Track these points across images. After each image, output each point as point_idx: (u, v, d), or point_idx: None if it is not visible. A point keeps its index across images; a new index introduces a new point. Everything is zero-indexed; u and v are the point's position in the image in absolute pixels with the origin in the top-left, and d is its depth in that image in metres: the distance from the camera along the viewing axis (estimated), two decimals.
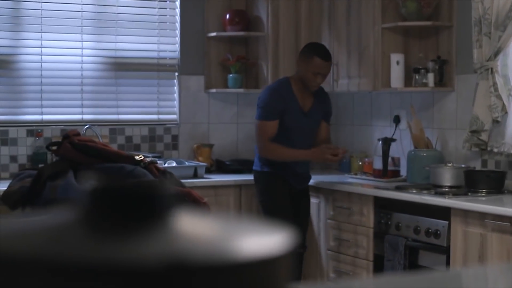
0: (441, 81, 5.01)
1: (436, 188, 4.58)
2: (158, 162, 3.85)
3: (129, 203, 0.47)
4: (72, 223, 0.47)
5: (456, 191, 4.48)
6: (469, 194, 4.40)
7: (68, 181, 2.56)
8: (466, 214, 4.09)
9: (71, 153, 2.67)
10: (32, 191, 2.63)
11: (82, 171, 2.63)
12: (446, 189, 4.53)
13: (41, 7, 5.34)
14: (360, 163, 5.55)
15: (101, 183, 0.47)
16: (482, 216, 3.99)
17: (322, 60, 4.69)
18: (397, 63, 5.05)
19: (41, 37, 5.35)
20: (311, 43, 5.00)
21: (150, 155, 5.25)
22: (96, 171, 2.63)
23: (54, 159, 2.75)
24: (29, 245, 0.44)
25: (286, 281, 0.45)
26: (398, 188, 4.70)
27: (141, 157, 2.69)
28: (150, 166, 2.68)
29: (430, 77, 4.97)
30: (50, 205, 2.57)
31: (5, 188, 4.67)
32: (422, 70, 5.00)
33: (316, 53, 4.70)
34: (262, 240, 0.46)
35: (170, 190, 0.48)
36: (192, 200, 2.70)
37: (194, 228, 0.47)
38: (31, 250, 0.43)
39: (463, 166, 4.73)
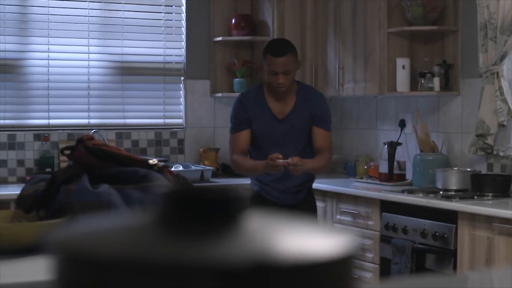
0: (446, 85, 5.03)
1: (442, 192, 4.61)
2: None
3: (206, 205, 0.49)
4: (152, 224, 0.49)
5: (463, 194, 4.50)
6: (476, 197, 4.42)
7: (83, 185, 2.58)
8: (473, 217, 4.11)
9: (85, 157, 2.68)
10: (46, 194, 2.65)
11: (96, 175, 2.65)
12: (453, 193, 4.56)
13: (48, 12, 5.36)
14: (366, 167, 5.57)
15: (178, 186, 0.49)
16: (489, 220, 4.01)
17: (272, 57, 4.15)
18: (403, 67, 5.07)
19: (48, 41, 5.37)
20: (269, 41, 4.63)
21: (156, 159, 5.26)
22: (110, 174, 2.65)
23: (68, 163, 2.76)
24: (115, 245, 0.46)
25: (353, 280, 0.47)
26: (405, 192, 4.72)
27: (154, 161, 2.70)
28: (163, 170, 2.69)
29: (436, 81, 4.99)
30: (64, 208, 2.59)
31: (18, 192, 4.70)
32: (428, 75, 5.03)
33: (268, 50, 4.22)
34: (330, 241, 0.48)
35: (243, 193, 0.50)
36: None
37: (267, 230, 0.50)
38: (117, 250, 0.45)
39: (469, 170, 4.75)
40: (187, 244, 0.47)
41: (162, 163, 2.77)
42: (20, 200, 2.73)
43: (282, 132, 4.23)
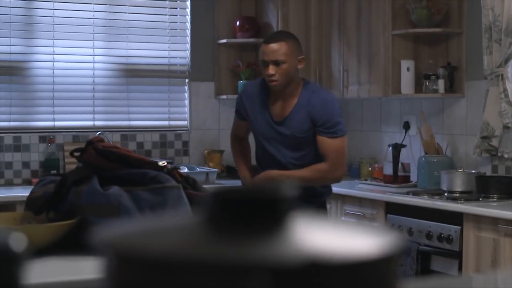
0: (451, 88, 5.05)
1: (447, 194, 4.62)
2: None
3: (253, 206, 0.50)
4: (201, 224, 0.50)
5: (468, 196, 4.51)
6: (481, 199, 4.43)
7: (93, 187, 2.59)
8: (478, 219, 4.12)
9: (95, 159, 2.69)
10: (56, 196, 2.66)
11: (106, 177, 2.66)
12: (457, 195, 4.57)
13: (53, 14, 5.38)
14: (370, 168, 5.58)
15: (227, 188, 0.51)
16: (494, 221, 4.02)
17: (264, 44, 3.79)
18: (408, 69, 5.08)
19: (53, 44, 5.39)
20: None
21: (165, 161, 5.28)
22: (119, 176, 2.66)
23: (77, 165, 2.77)
24: (167, 245, 0.47)
25: (398, 278, 0.49)
26: (410, 194, 4.73)
27: (164, 163, 2.72)
28: (173, 172, 2.70)
29: (441, 84, 5.01)
30: (75, 210, 2.60)
31: (24, 194, 4.71)
32: (433, 77, 5.04)
33: (266, 38, 3.90)
34: (375, 240, 0.49)
35: (290, 194, 0.51)
36: None
37: (314, 229, 0.51)
38: (170, 249, 0.46)
39: (473, 171, 4.76)
40: (238, 243, 0.48)
41: (171, 165, 2.78)
42: (29, 202, 2.74)
43: (278, 136, 3.86)
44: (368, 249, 0.47)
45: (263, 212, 0.51)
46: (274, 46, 3.73)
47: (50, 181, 2.84)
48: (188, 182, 2.72)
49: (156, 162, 2.71)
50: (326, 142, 3.77)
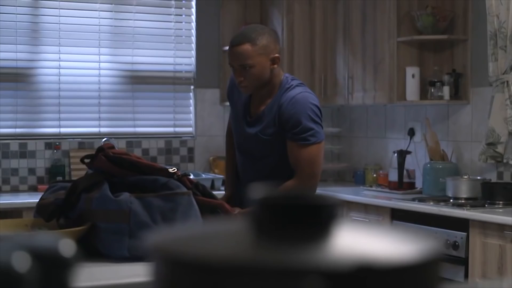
0: (456, 94, 5.06)
1: (453, 200, 4.63)
2: None
3: (300, 212, 0.52)
4: (249, 230, 0.52)
5: (473, 203, 4.52)
6: (486, 206, 4.44)
7: (103, 193, 2.60)
8: (484, 225, 4.13)
9: (105, 165, 2.71)
10: (67, 202, 2.68)
11: (116, 183, 2.68)
12: (463, 201, 4.58)
13: (59, 21, 5.40)
14: (375, 175, 5.59)
15: (274, 195, 0.52)
16: (500, 228, 4.03)
17: (229, 46, 3.30)
18: (413, 76, 5.10)
19: (59, 51, 5.41)
20: None
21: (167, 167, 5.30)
22: (130, 183, 2.68)
23: (87, 172, 2.79)
24: (219, 249, 0.49)
25: (441, 281, 0.50)
26: (415, 200, 4.74)
27: (174, 169, 2.73)
28: (183, 179, 2.72)
29: (446, 90, 5.02)
30: (86, 216, 2.61)
31: (30, 200, 4.72)
32: (438, 83, 5.06)
33: (230, 41, 3.38)
34: (418, 244, 0.51)
35: (333, 201, 0.52)
36: (224, 211, 2.75)
37: (358, 234, 0.52)
38: (223, 254, 0.48)
39: (479, 178, 4.77)
40: (287, 248, 0.49)
41: (182, 171, 2.80)
42: (40, 209, 2.75)
43: (248, 137, 3.38)
44: (413, 253, 0.49)
45: (310, 218, 0.52)
46: (238, 49, 3.23)
47: (60, 187, 2.86)
48: (198, 189, 2.74)
49: (167, 169, 2.73)
50: (295, 151, 3.22)
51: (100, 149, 2.74)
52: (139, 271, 2.25)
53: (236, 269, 0.46)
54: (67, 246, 0.54)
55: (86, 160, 2.77)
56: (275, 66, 3.28)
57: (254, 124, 3.36)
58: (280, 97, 3.27)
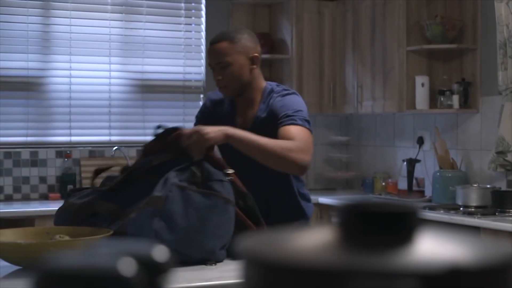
0: (465, 103, 5.09)
1: (463, 208, 4.65)
2: None
3: (386, 219, 0.54)
4: (338, 236, 0.54)
5: (484, 211, 4.54)
6: (497, 214, 4.47)
7: (141, 218, 2.65)
8: (495, 233, 4.15)
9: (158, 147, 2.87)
10: (116, 187, 2.82)
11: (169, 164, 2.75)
12: (473, 209, 4.60)
13: (70, 30, 5.43)
14: (384, 183, 5.61)
15: (359, 203, 0.55)
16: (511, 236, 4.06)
17: (209, 46, 3.17)
18: (422, 85, 5.13)
19: (70, 59, 5.44)
20: None
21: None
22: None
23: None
24: (311, 254, 0.51)
25: None
26: (426, 208, 4.76)
27: (231, 171, 2.79)
28: (237, 182, 2.79)
29: (455, 99, 5.05)
30: (119, 233, 2.64)
31: (41, 209, 4.76)
32: (447, 92, 5.09)
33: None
34: (497, 248, 0.54)
35: (415, 209, 0.55)
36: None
37: (441, 239, 0.55)
38: (317, 258, 0.50)
39: (489, 186, 4.79)
40: (376, 252, 0.52)
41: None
42: (62, 212, 2.79)
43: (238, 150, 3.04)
44: (496, 256, 0.51)
45: (394, 224, 0.55)
46: (216, 46, 3.11)
47: (86, 194, 2.90)
48: (244, 199, 2.77)
49: (226, 168, 2.77)
50: (287, 130, 3.01)
51: (175, 129, 2.84)
52: (227, 274, 2.40)
53: (333, 273, 0.49)
54: (160, 251, 0.57)
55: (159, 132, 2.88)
56: (255, 66, 3.14)
57: (252, 130, 3.04)
58: (268, 100, 3.15)
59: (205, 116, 3.28)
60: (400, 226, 0.54)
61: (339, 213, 0.56)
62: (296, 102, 3.12)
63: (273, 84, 3.25)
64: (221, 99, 3.25)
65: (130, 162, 2.89)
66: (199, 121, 3.29)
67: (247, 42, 3.13)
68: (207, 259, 2.63)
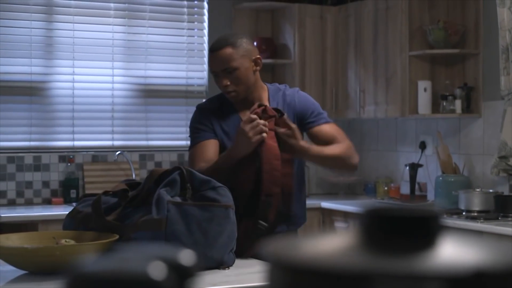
0: (468, 108, 5.10)
1: (465, 213, 4.66)
2: None
3: (407, 223, 0.55)
4: (361, 241, 0.55)
5: (486, 215, 4.55)
6: (500, 218, 4.47)
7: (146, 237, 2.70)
8: (499, 238, 4.15)
9: None
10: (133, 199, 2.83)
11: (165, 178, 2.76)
12: (476, 214, 4.61)
13: (73, 35, 5.45)
14: (386, 188, 5.62)
15: (382, 207, 0.56)
16: None
17: (210, 53, 3.17)
18: (425, 90, 5.14)
19: (73, 64, 5.45)
20: None
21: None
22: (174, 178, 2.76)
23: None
24: (336, 258, 0.52)
25: None
26: None
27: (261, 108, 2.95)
28: (267, 108, 2.94)
29: (458, 104, 5.06)
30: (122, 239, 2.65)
31: (44, 213, 4.76)
32: (450, 97, 5.10)
33: (209, 48, 3.24)
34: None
35: (438, 213, 0.56)
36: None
37: (460, 243, 0.56)
38: (343, 262, 0.51)
39: (491, 191, 4.80)
40: (400, 256, 0.53)
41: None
42: (71, 219, 2.81)
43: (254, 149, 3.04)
44: None
45: (417, 228, 0.56)
46: (220, 53, 3.10)
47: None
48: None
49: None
50: (324, 129, 3.17)
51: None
52: (248, 277, 2.47)
53: (360, 276, 0.49)
54: (187, 255, 0.58)
55: None
56: (258, 68, 3.18)
57: None
58: (282, 99, 3.20)
59: (208, 123, 3.19)
60: (423, 230, 0.56)
61: (362, 218, 0.57)
62: (311, 97, 3.27)
63: (273, 84, 3.34)
64: (215, 106, 3.22)
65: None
66: (203, 129, 3.19)
67: (248, 45, 3.17)
68: (217, 267, 2.65)
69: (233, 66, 3.08)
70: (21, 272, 2.60)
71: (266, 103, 3.14)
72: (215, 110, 3.20)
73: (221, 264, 2.67)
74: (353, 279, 0.50)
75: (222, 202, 2.67)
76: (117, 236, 2.62)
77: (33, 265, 2.56)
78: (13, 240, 2.76)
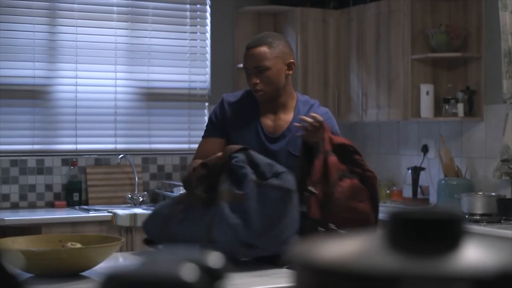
0: (470, 111, 5.11)
1: (468, 216, 4.67)
2: None
3: (432, 225, 0.57)
4: (389, 243, 0.57)
5: (489, 219, 4.56)
6: (502, 222, 4.48)
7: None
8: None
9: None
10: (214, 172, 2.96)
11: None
12: (478, 217, 4.62)
13: (76, 39, 5.46)
14: (388, 191, 5.63)
15: (407, 211, 0.57)
16: None
17: (246, 50, 3.19)
18: (427, 93, 5.15)
19: (76, 68, 5.47)
20: None
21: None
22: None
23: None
24: (364, 260, 0.53)
25: None
26: None
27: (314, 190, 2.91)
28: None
29: (460, 107, 5.07)
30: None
31: (47, 216, 4.77)
32: (452, 100, 5.11)
33: (246, 45, 3.25)
34: None
35: (461, 216, 0.57)
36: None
37: (482, 245, 0.57)
38: (372, 265, 0.52)
39: (493, 194, 4.81)
40: (426, 258, 0.54)
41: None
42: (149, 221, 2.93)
43: (274, 154, 3.15)
44: None
45: (442, 231, 0.57)
46: (255, 51, 3.13)
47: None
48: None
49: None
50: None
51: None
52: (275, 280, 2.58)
53: (389, 278, 0.51)
54: (217, 258, 0.59)
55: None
56: (290, 72, 3.21)
57: (279, 140, 3.21)
58: (306, 109, 3.21)
59: (224, 119, 3.22)
60: (447, 233, 0.57)
61: (388, 221, 0.58)
62: (336, 123, 3.32)
63: (304, 95, 3.41)
64: (240, 102, 3.23)
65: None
66: (217, 124, 3.24)
67: (285, 48, 3.19)
68: (282, 251, 2.72)
69: (266, 65, 3.10)
70: (28, 275, 2.61)
71: (291, 113, 3.19)
72: (236, 105, 3.21)
73: (286, 247, 2.71)
74: (382, 281, 0.51)
75: (289, 185, 2.83)
76: (123, 240, 2.64)
77: (39, 268, 2.57)
78: (19, 243, 2.77)
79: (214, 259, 0.58)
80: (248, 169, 2.85)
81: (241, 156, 2.89)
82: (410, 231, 0.56)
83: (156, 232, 2.93)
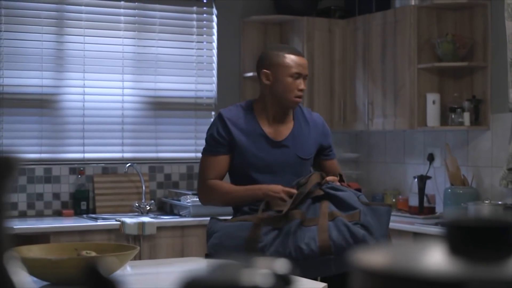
0: (476, 120, 5.14)
1: None
2: None
3: (490, 233, 0.59)
4: (446, 249, 0.59)
5: None
6: None
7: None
8: None
9: None
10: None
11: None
12: None
13: (84, 48, 5.49)
14: (394, 200, 5.65)
15: (464, 218, 0.59)
16: None
17: (296, 57, 3.36)
18: (433, 102, 5.18)
19: (84, 77, 5.49)
20: (268, 47, 4.16)
21: (189, 192, 5.39)
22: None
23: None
24: (427, 265, 0.56)
25: None
26: (438, 225, 4.80)
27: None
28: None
29: (466, 116, 5.10)
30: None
31: (55, 225, 4.79)
32: (458, 109, 5.14)
33: (287, 51, 3.39)
34: None
35: None
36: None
37: None
38: (435, 270, 0.55)
39: (500, 203, 4.83)
40: (484, 264, 0.56)
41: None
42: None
43: (278, 159, 3.34)
44: None
45: (498, 238, 0.59)
46: (304, 60, 3.39)
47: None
48: None
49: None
50: (334, 163, 3.57)
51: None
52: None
53: (454, 283, 0.53)
54: (285, 265, 0.61)
55: None
56: None
57: (285, 144, 3.38)
58: (308, 117, 3.50)
59: (229, 135, 3.35)
60: (504, 238, 0.59)
61: (446, 228, 0.60)
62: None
63: None
64: (238, 114, 3.38)
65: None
66: (221, 141, 3.37)
67: None
68: None
69: (307, 74, 3.43)
70: (43, 283, 2.63)
71: (290, 118, 3.45)
72: (237, 118, 3.37)
73: None
74: (446, 286, 0.53)
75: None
76: (137, 248, 2.66)
77: (55, 276, 2.59)
78: (34, 251, 2.79)
79: (284, 266, 0.60)
80: (349, 190, 3.24)
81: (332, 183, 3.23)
82: (468, 239, 0.59)
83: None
